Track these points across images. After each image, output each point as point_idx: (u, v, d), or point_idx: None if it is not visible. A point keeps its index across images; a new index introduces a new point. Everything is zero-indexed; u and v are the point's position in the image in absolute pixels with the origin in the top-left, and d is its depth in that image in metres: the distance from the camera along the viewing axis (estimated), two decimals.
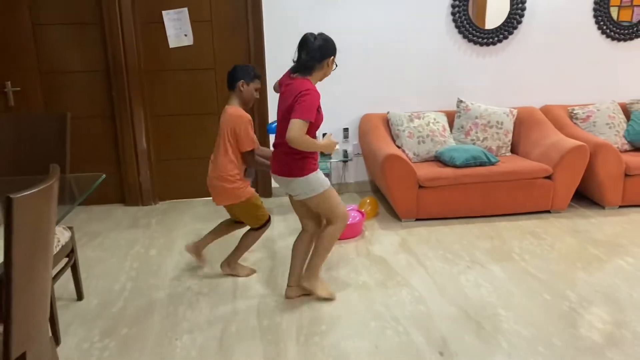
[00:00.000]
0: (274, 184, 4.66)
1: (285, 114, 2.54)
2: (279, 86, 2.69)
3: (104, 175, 2.58)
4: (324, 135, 3.65)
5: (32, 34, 4.21)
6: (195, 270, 3.26)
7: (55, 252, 2.47)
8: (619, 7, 4.61)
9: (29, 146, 2.67)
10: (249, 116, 2.83)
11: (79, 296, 2.91)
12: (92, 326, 2.65)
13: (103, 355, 2.41)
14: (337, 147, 2.76)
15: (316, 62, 2.54)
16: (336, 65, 2.65)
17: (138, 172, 4.49)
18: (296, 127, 2.41)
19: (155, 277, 3.19)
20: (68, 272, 2.85)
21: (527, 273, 3.10)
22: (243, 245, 3.08)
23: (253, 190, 2.96)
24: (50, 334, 1.86)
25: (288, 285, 2.87)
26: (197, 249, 3.18)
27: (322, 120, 2.61)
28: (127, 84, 4.31)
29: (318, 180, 2.62)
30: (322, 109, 2.62)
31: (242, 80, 2.83)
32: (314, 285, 2.79)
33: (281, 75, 2.72)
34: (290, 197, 2.78)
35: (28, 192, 1.43)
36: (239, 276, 3.13)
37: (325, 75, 2.64)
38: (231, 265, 3.12)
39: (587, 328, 2.52)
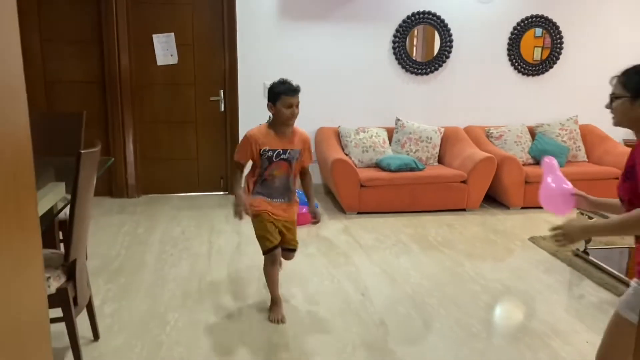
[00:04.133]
0: None
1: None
2: None
3: (112, 159, 3.38)
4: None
5: (40, 48, 4.99)
6: (177, 243, 4.06)
7: None
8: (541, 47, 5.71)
9: (54, 135, 3.44)
10: (249, 132, 2.88)
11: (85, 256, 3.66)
12: (97, 277, 3.40)
13: (108, 295, 3.18)
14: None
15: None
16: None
17: (125, 170, 5.27)
18: None
19: (143, 246, 3.98)
20: None
21: (436, 249, 4.03)
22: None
23: (262, 209, 2.85)
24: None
25: None
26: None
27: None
28: (120, 94, 5.11)
29: None
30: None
31: (269, 103, 2.82)
32: None
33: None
34: None
35: (88, 151, 2.25)
36: (269, 318, 2.93)
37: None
38: (270, 305, 2.99)
39: (471, 283, 3.44)
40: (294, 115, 2.81)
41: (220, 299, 3.16)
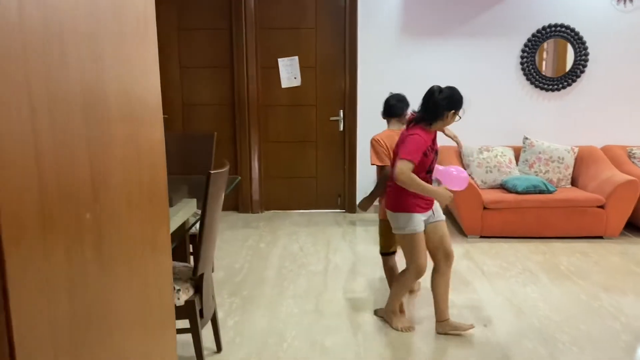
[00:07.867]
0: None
1: (394, 156, 2.90)
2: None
3: (239, 178, 3.56)
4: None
5: (180, 74, 5.43)
6: (295, 259, 4.16)
7: None
8: None
9: (189, 155, 3.72)
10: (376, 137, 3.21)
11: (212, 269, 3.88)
12: (221, 288, 3.59)
13: (231, 308, 3.33)
14: (450, 199, 2.77)
15: (438, 115, 2.72)
16: (459, 117, 2.76)
17: (250, 186, 5.53)
18: (399, 166, 2.67)
19: (264, 261, 4.12)
20: None
21: (568, 279, 3.70)
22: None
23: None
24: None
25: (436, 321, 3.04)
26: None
27: (430, 162, 2.80)
28: (247, 115, 5.40)
29: (406, 221, 2.83)
30: None
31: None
32: (389, 318, 3.10)
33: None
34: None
35: (217, 172, 2.38)
36: (391, 326, 3.08)
37: (444, 125, 2.81)
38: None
39: (610, 319, 3.11)
40: None
41: (336, 319, 3.17)
